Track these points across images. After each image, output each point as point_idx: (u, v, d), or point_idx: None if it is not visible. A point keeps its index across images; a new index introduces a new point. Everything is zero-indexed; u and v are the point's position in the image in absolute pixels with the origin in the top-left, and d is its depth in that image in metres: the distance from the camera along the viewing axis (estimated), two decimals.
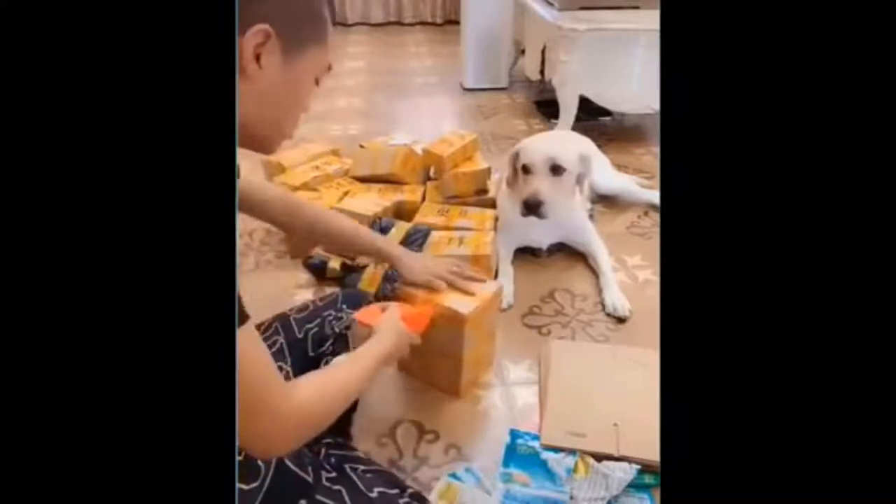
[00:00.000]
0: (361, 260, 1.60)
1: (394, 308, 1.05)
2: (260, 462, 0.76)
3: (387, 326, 0.98)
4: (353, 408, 1.16)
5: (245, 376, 0.58)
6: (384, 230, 1.64)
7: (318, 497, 0.82)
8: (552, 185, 1.56)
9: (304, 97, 0.72)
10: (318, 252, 1.69)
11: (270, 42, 0.63)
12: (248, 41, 0.61)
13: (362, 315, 1.05)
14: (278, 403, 0.65)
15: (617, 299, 1.53)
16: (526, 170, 1.58)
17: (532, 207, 1.54)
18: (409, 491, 0.91)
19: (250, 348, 0.62)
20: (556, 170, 1.56)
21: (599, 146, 2.10)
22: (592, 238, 1.73)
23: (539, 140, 1.68)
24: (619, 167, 2.24)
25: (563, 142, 1.70)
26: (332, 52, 0.73)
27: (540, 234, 1.71)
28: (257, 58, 0.63)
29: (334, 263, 1.62)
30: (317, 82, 0.73)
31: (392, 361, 1.00)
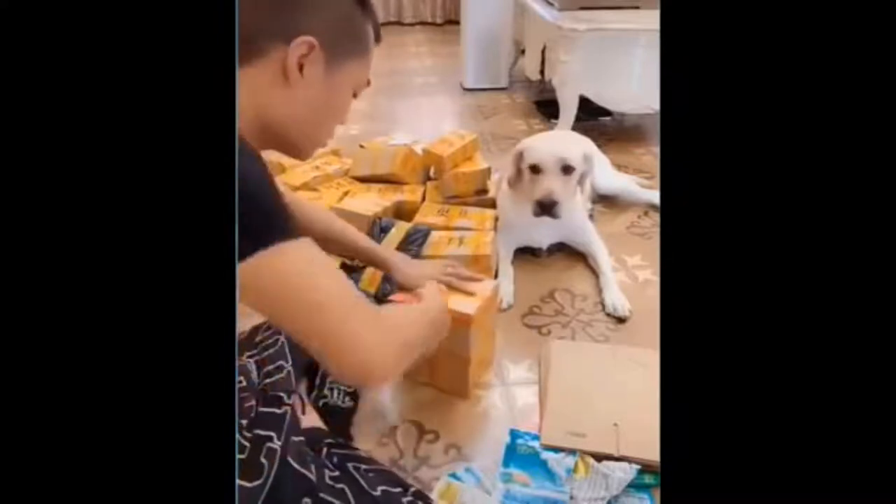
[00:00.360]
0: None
1: (433, 283, 1.05)
2: (263, 459, 0.77)
3: (430, 292, 0.98)
4: (353, 407, 1.16)
5: (326, 302, 0.59)
6: (384, 230, 1.64)
7: (322, 495, 0.82)
8: (563, 185, 1.57)
9: (341, 108, 0.75)
10: None
11: (314, 53, 0.65)
12: (293, 51, 0.64)
13: (399, 296, 1.06)
14: (371, 326, 0.63)
15: (617, 299, 1.53)
16: (535, 170, 1.58)
17: (547, 208, 1.54)
18: (412, 489, 0.91)
19: (320, 272, 0.61)
20: (567, 169, 1.57)
21: (599, 146, 2.10)
22: (593, 238, 1.73)
23: (544, 140, 1.68)
24: (619, 167, 2.24)
25: (568, 141, 1.70)
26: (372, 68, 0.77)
27: (540, 234, 1.71)
28: (300, 67, 0.65)
29: None
30: (355, 95, 0.75)
31: (439, 327, 0.96)
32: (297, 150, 0.75)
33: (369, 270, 1.51)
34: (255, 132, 0.67)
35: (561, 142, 1.66)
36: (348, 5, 0.70)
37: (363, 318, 0.63)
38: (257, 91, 0.66)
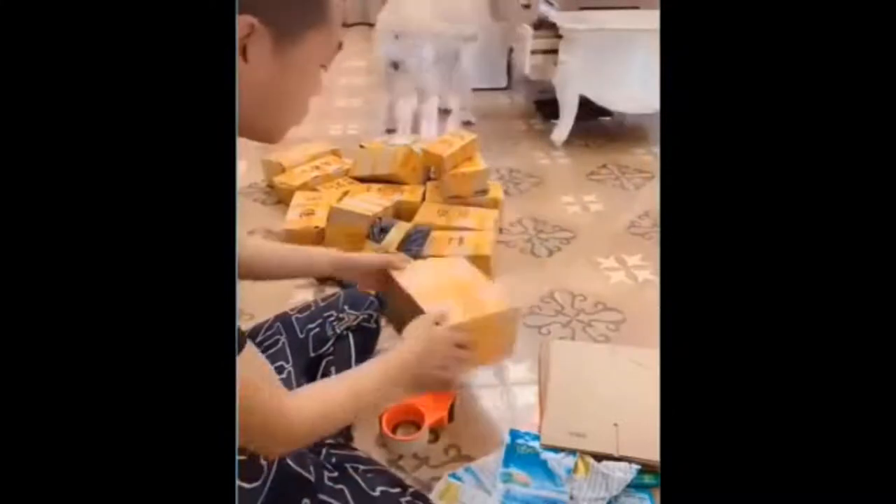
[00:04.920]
0: None
1: (429, 315, 1.01)
2: (262, 461, 0.77)
3: (412, 332, 0.96)
4: None
5: (253, 399, 0.63)
6: (384, 230, 1.64)
7: (321, 496, 0.82)
8: None
9: (307, 84, 0.68)
10: None
11: (257, 33, 0.58)
12: None
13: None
14: (269, 411, 0.66)
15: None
16: None
17: None
18: (411, 490, 0.91)
19: (254, 374, 0.65)
20: None
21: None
22: None
23: None
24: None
25: None
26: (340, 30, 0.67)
27: None
28: (243, 51, 0.58)
29: None
30: (325, 67, 0.68)
31: (420, 376, 0.97)
32: (266, 135, 0.68)
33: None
34: None
35: None
36: None
37: (275, 411, 0.67)
38: None
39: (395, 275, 1.17)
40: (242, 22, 0.57)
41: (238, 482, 0.73)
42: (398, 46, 2.18)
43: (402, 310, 1.17)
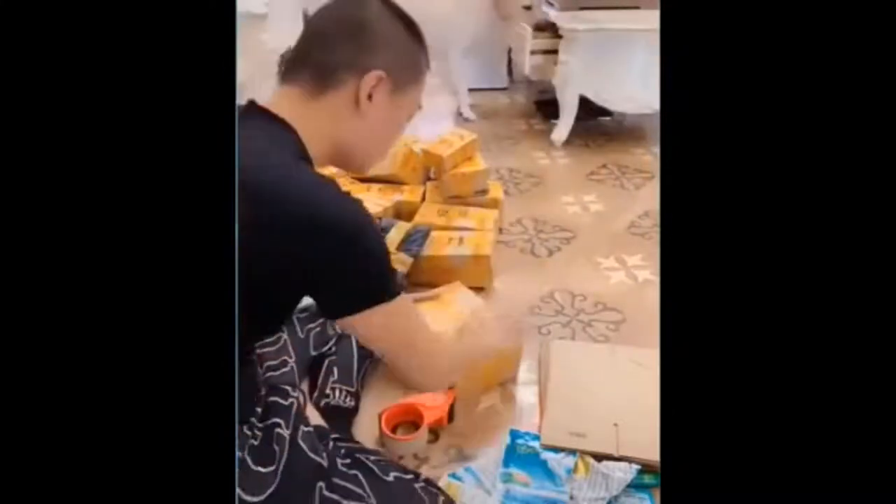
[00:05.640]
0: None
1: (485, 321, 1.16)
2: (275, 446, 0.78)
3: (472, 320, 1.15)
4: (355, 408, 1.16)
5: (408, 335, 0.81)
6: (384, 230, 1.64)
7: (336, 480, 0.82)
8: None
9: (399, 129, 0.88)
10: None
11: (382, 84, 0.77)
12: (365, 83, 0.76)
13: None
14: (431, 345, 0.85)
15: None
16: None
17: None
18: (423, 476, 0.92)
19: (409, 314, 0.82)
20: None
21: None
22: None
23: None
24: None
25: None
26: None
27: None
28: (370, 97, 0.77)
29: None
30: (409, 117, 0.88)
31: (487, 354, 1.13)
32: (360, 166, 0.87)
33: None
34: (326, 152, 0.79)
35: None
36: (409, 41, 0.81)
37: (433, 350, 0.86)
38: (332, 116, 0.77)
39: None
40: (374, 74, 0.76)
41: (254, 467, 0.75)
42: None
43: None
